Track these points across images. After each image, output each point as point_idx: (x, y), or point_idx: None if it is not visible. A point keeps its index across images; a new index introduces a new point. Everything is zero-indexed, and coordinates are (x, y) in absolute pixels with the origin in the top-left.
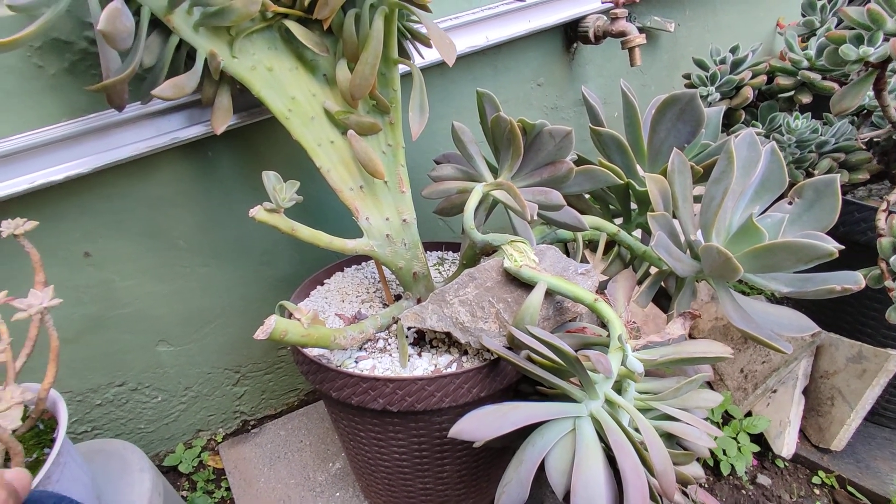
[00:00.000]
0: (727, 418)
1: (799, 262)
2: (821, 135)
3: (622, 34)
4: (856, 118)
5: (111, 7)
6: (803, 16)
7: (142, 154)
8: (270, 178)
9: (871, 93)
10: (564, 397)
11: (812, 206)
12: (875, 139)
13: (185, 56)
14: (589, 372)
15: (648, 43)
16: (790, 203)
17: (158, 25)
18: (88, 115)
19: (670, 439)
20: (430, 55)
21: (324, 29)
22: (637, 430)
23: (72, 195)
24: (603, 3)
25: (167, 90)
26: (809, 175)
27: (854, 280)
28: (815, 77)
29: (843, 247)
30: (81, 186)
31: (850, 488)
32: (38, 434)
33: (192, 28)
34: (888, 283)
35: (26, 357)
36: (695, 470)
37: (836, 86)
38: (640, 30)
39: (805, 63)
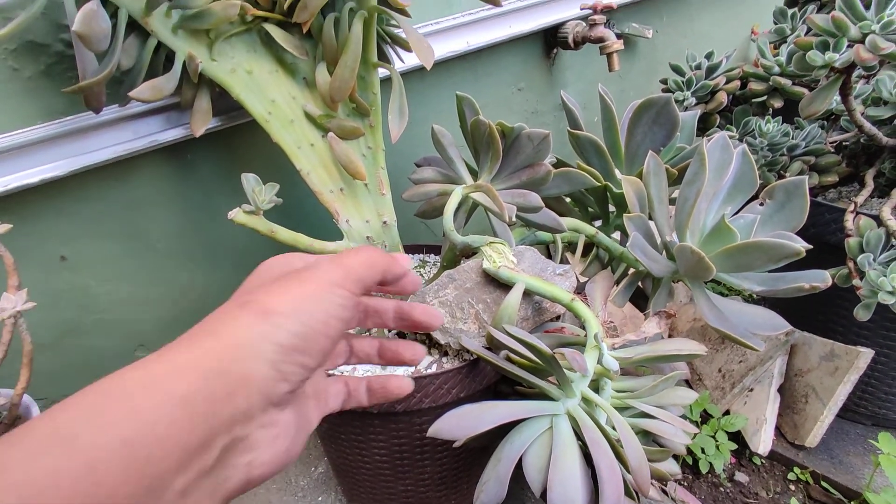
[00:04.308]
0: (706, 417)
1: (769, 261)
2: (792, 138)
3: (600, 40)
4: (825, 122)
5: (86, 8)
6: (775, 23)
7: (120, 157)
8: (250, 180)
9: (838, 97)
10: (542, 396)
11: (783, 206)
12: (844, 143)
13: (163, 58)
14: (566, 371)
15: (627, 49)
16: (762, 204)
17: (136, 27)
18: (65, 118)
19: (647, 436)
20: (411, 59)
21: (303, 32)
22: (614, 427)
23: (48, 198)
24: (582, 9)
25: (145, 92)
26: (781, 177)
27: (821, 278)
28: (786, 82)
29: (810, 246)
30: (58, 189)
31: (824, 483)
32: None
33: (171, 30)
34: (856, 281)
35: None
36: (670, 466)
37: (805, 91)
38: (619, 36)
39: (776, 69)
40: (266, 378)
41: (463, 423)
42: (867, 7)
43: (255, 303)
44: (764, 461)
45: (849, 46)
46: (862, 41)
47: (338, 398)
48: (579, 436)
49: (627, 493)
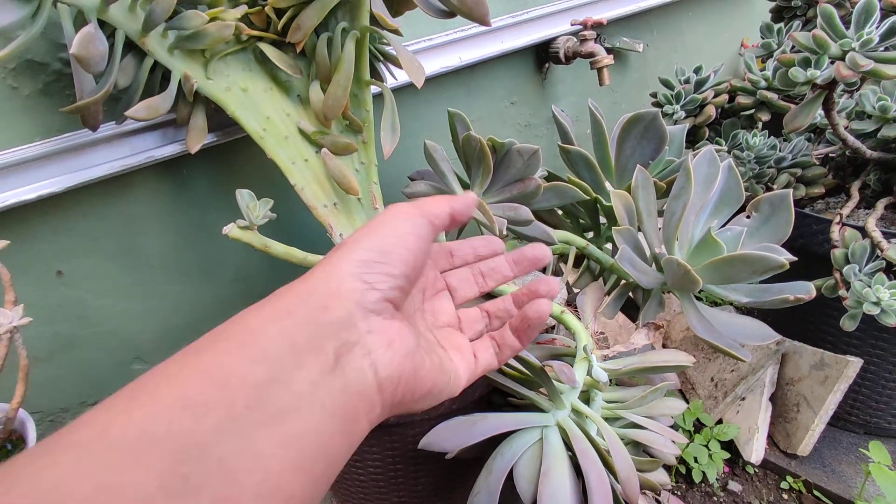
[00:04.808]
0: (699, 426)
1: (755, 273)
2: (779, 151)
3: (591, 55)
4: (812, 135)
5: (84, 31)
6: (762, 38)
7: (116, 173)
8: (244, 195)
9: (822, 112)
10: (533, 408)
11: (768, 219)
12: (830, 155)
13: (159, 77)
14: (555, 382)
15: (619, 62)
16: (748, 217)
17: (133, 48)
18: (62, 135)
19: (637, 447)
20: (403, 76)
21: (297, 52)
22: (604, 438)
23: (45, 214)
24: (572, 24)
25: (141, 111)
26: (769, 189)
27: (805, 290)
28: (773, 96)
29: (794, 258)
30: (54, 205)
31: (816, 492)
32: (6, 454)
33: (167, 51)
34: (842, 292)
35: None
36: (661, 476)
37: (791, 105)
38: (609, 50)
39: (763, 83)
40: (353, 289)
41: (454, 434)
42: (847, 25)
43: (338, 245)
44: (757, 470)
45: (830, 63)
46: (842, 58)
47: (477, 324)
48: (569, 447)
49: (617, 502)
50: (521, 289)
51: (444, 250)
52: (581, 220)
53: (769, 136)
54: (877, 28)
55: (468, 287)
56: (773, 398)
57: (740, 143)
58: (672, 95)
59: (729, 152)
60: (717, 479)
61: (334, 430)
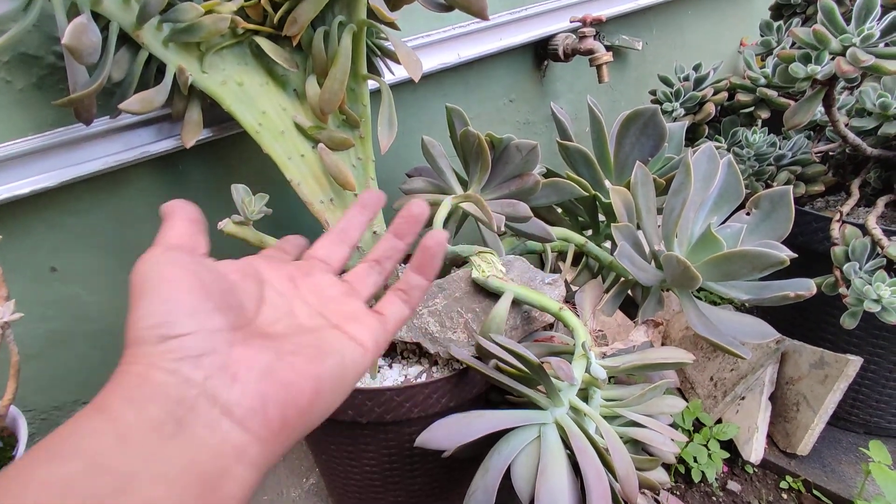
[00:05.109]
0: (698, 426)
1: (754, 269)
2: (778, 148)
3: (590, 52)
4: (812, 132)
5: (77, 22)
6: (761, 35)
7: (110, 168)
8: (239, 190)
9: (822, 109)
10: (531, 405)
11: (768, 216)
12: (830, 153)
13: (154, 71)
14: (554, 380)
15: (618, 60)
16: (748, 214)
17: (127, 40)
18: (56, 130)
19: (636, 445)
20: (401, 71)
21: (293, 45)
22: (602, 436)
23: (38, 209)
24: (571, 21)
25: (135, 104)
26: (769, 186)
27: (806, 287)
28: (772, 94)
29: (795, 255)
30: (48, 200)
31: (815, 492)
32: None
33: (162, 43)
34: (842, 290)
35: None
36: (660, 475)
37: (791, 102)
38: (608, 48)
39: (762, 80)
40: (165, 372)
41: (451, 432)
42: (848, 20)
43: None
44: (756, 470)
45: (831, 59)
46: (843, 54)
47: (369, 278)
48: (567, 445)
49: (615, 501)
50: (397, 219)
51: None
52: (580, 218)
53: (769, 134)
54: (877, 23)
55: (337, 249)
56: (772, 397)
57: (740, 141)
58: (671, 93)
59: (728, 150)
60: (716, 479)
61: (190, 498)
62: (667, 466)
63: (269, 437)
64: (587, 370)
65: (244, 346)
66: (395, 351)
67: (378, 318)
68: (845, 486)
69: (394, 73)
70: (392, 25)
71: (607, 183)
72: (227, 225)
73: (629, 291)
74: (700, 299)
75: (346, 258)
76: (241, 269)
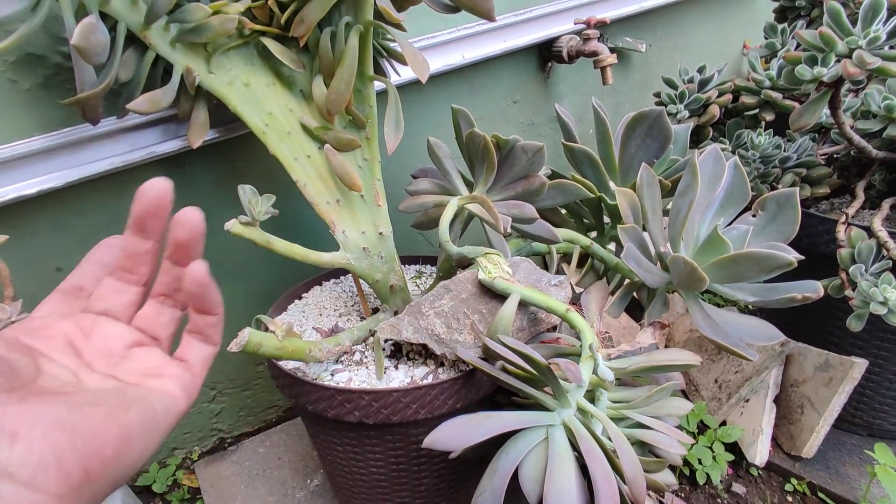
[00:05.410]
0: (703, 428)
1: (762, 271)
2: (783, 150)
3: (594, 54)
4: (817, 135)
5: (85, 22)
6: (766, 38)
7: (116, 168)
8: (246, 191)
9: (828, 111)
10: (538, 406)
11: (774, 218)
12: (835, 155)
13: (161, 71)
14: (561, 381)
15: (622, 62)
16: (754, 215)
17: (135, 41)
18: (62, 130)
19: (643, 447)
20: (407, 73)
21: (300, 46)
22: (610, 438)
23: (45, 209)
24: (575, 23)
25: (142, 104)
26: (774, 189)
27: (813, 289)
28: (777, 96)
29: (802, 257)
30: (55, 201)
31: (820, 494)
32: None
33: (169, 44)
34: (848, 292)
35: None
36: (666, 477)
37: (796, 104)
38: (612, 50)
39: (767, 83)
40: None
41: (459, 433)
42: (854, 23)
43: None
44: (761, 472)
45: (836, 61)
46: (849, 56)
47: (160, 317)
48: (575, 446)
49: (623, 503)
50: (169, 245)
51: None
52: (585, 220)
53: (773, 136)
54: (883, 26)
55: (120, 296)
56: (777, 400)
57: (744, 143)
58: (676, 95)
59: (733, 152)
60: (721, 481)
61: None
62: (672, 468)
63: (70, 493)
64: (594, 372)
65: (23, 403)
66: (401, 352)
67: (182, 364)
68: (850, 489)
69: (399, 74)
70: (399, 26)
71: (612, 185)
72: (234, 225)
73: (634, 294)
74: (704, 301)
75: (134, 301)
76: (3, 342)
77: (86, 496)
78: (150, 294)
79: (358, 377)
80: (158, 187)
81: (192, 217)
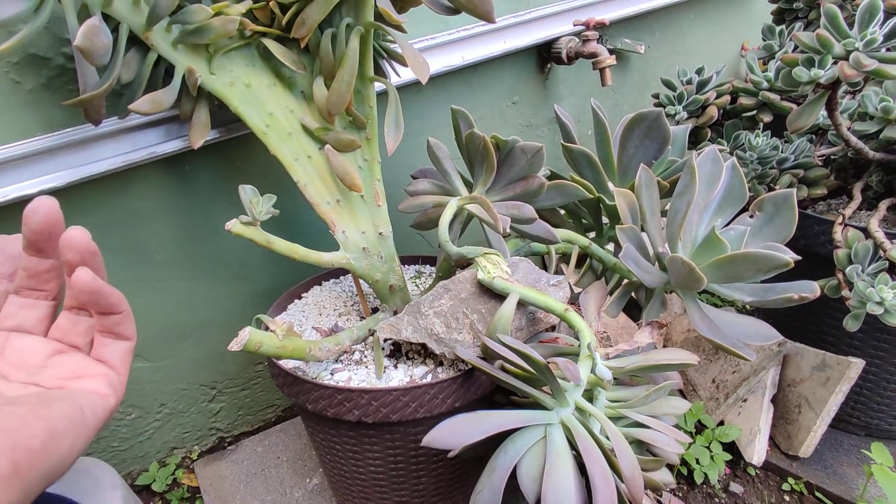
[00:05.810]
0: (700, 427)
1: (759, 272)
2: (781, 152)
3: (593, 55)
4: (814, 136)
5: (88, 23)
6: (764, 40)
7: (118, 168)
8: (247, 191)
9: (825, 112)
10: (537, 405)
11: (772, 218)
12: (832, 156)
13: (163, 72)
14: (559, 380)
15: (620, 64)
16: (751, 216)
17: (137, 42)
18: (64, 130)
19: (640, 446)
20: (407, 74)
21: (301, 47)
22: (607, 436)
23: None
24: (575, 25)
25: (144, 105)
26: (771, 190)
27: (810, 289)
28: (775, 97)
29: (799, 257)
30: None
31: (818, 494)
32: None
33: (171, 45)
34: (844, 292)
35: None
36: (664, 476)
37: (794, 106)
38: (611, 51)
39: (765, 84)
40: None
41: (458, 432)
42: (851, 25)
43: None
44: (758, 472)
45: (834, 63)
46: (846, 58)
47: (77, 326)
48: (573, 445)
49: (621, 502)
50: (63, 262)
51: None
52: (583, 221)
53: (771, 137)
54: (880, 28)
55: (30, 311)
56: (774, 400)
57: (742, 144)
58: (674, 96)
59: (731, 153)
60: (718, 481)
61: None
62: (670, 467)
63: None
64: (593, 371)
65: None
66: (400, 352)
67: (104, 364)
68: (847, 488)
69: (399, 75)
70: (399, 28)
71: (611, 185)
72: (234, 225)
73: (632, 294)
74: (702, 301)
75: (47, 314)
76: None
77: (16, 489)
78: (64, 306)
79: (357, 376)
80: (44, 208)
81: (78, 239)
